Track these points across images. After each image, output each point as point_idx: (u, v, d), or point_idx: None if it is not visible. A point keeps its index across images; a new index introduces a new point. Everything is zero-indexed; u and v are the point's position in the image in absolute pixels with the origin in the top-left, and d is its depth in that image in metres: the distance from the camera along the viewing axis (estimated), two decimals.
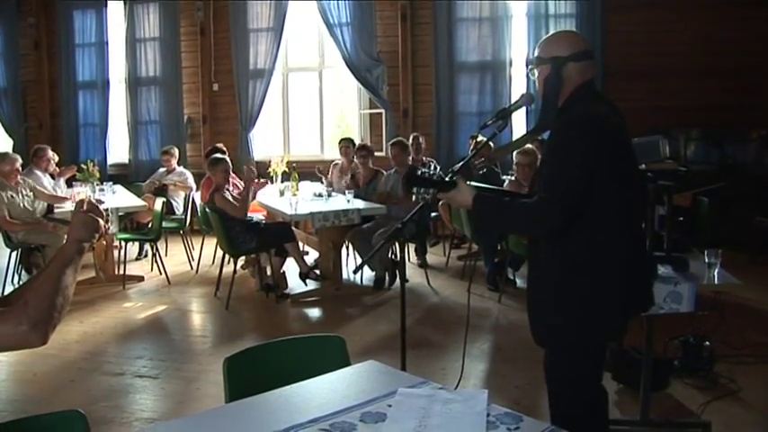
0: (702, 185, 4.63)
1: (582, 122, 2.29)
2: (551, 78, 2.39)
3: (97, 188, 7.41)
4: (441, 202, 7.55)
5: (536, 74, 2.48)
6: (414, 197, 2.43)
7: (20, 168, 6.77)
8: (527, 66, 8.71)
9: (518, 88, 9.14)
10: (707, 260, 3.29)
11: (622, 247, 2.36)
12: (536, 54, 2.48)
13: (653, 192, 3.27)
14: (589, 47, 2.44)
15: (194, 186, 8.13)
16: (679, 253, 3.41)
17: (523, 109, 2.80)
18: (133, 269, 7.42)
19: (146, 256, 7.99)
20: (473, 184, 2.47)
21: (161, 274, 7.15)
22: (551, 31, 9.99)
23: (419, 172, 2.41)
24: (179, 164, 8.57)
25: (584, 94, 2.39)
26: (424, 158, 8.34)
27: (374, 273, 6.68)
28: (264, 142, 10.07)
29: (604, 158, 2.26)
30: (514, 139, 8.19)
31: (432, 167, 2.44)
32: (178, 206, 8.13)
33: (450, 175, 2.44)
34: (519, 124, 9.06)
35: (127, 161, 10.20)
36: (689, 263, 3.32)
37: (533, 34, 9.00)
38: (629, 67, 8.33)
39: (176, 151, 8.48)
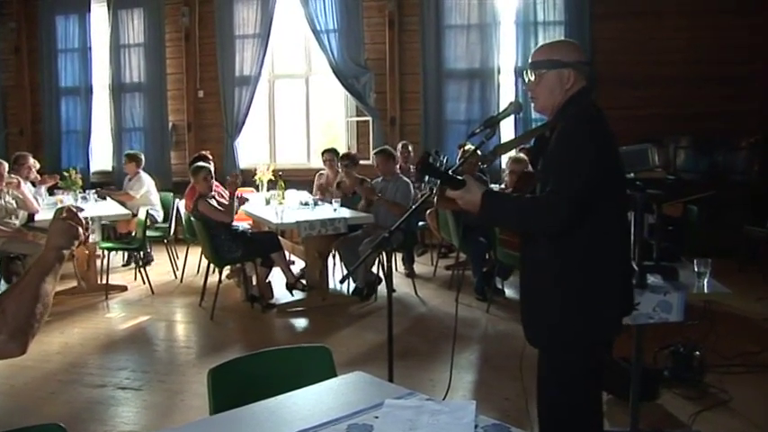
0: (692, 194, 4.65)
1: (592, 118, 2.37)
2: (564, 81, 2.44)
3: (80, 196, 7.36)
4: (428, 211, 7.62)
5: (533, 78, 2.49)
6: (422, 185, 2.48)
7: (4, 174, 6.68)
8: (521, 73, 8.74)
9: (506, 96, 9.17)
10: (696, 269, 3.31)
11: (621, 246, 2.46)
12: (538, 58, 2.49)
13: (642, 201, 3.29)
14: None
15: (138, 195, 7.99)
16: (668, 262, 3.43)
17: (512, 117, 2.82)
18: (116, 279, 7.37)
19: (137, 263, 7.79)
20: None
21: (144, 283, 7.11)
22: (540, 39, 9.95)
23: (431, 159, 2.43)
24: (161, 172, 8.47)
25: (584, 99, 2.46)
26: (411, 167, 8.34)
27: (356, 283, 6.68)
28: (250, 150, 10.05)
29: (610, 163, 2.36)
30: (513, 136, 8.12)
31: (442, 157, 2.47)
32: (158, 215, 8.07)
33: (443, 159, 2.46)
34: (507, 133, 9.09)
35: (110, 168, 10.14)
36: (678, 272, 3.34)
37: (522, 41, 9.05)
38: (618, 75, 8.37)
39: (137, 156, 8.28)
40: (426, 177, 2.44)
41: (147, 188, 8.12)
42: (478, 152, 2.62)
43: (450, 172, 2.43)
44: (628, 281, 2.55)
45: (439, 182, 2.43)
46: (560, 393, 2.50)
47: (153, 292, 6.94)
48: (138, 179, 8.16)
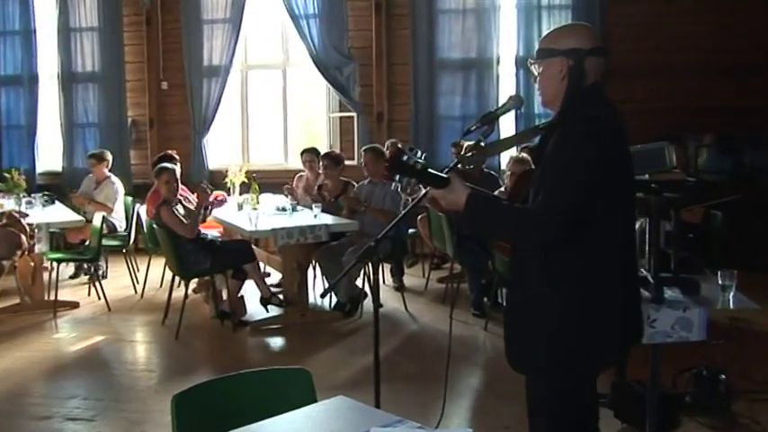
0: (715, 198, 4.68)
1: (591, 125, 2.33)
2: (574, 71, 2.40)
3: (24, 200, 7.29)
4: (419, 217, 7.63)
5: (539, 69, 2.48)
6: (394, 185, 2.45)
7: None
8: (523, 64, 8.78)
9: (506, 89, 9.20)
10: (721, 282, 3.32)
11: (624, 264, 2.41)
12: (544, 46, 2.48)
13: (658, 205, 3.30)
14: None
15: (115, 206, 7.94)
16: (688, 274, 3.44)
17: (512, 113, 2.81)
18: (66, 294, 7.31)
19: (90, 276, 7.69)
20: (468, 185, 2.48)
21: (100, 299, 7.05)
22: (544, 25, 10.00)
23: (405, 157, 2.40)
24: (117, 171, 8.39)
25: (595, 93, 2.43)
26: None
27: (337, 297, 6.67)
28: (220, 149, 10.03)
29: (612, 166, 2.32)
30: (511, 134, 8.12)
31: (419, 154, 2.42)
32: (120, 223, 8.02)
33: (419, 157, 2.42)
34: (507, 130, 9.10)
35: (60, 169, 10.06)
36: (700, 285, 3.35)
37: (524, 28, 9.10)
38: (632, 65, 8.37)
39: (108, 156, 8.22)
40: (397, 177, 2.40)
41: (121, 194, 8.08)
42: (481, 144, 2.61)
43: (434, 171, 2.42)
44: (631, 305, 2.49)
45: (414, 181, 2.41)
46: (549, 426, 2.50)
47: (109, 309, 6.88)
48: (109, 184, 8.06)
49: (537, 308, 2.44)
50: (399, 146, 2.41)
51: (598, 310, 2.37)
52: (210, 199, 6.29)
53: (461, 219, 2.41)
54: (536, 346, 2.45)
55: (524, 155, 6.46)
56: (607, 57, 2.45)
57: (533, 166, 2.77)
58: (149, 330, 6.40)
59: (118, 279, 7.96)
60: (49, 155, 10.19)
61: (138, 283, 7.62)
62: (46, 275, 7.09)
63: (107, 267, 8.13)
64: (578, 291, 2.36)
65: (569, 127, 2.35)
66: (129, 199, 8.16)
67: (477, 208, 2.41)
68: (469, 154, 2.69)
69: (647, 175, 3.28)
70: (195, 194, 6.52)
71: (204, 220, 6.52)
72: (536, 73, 2.51)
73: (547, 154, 2.39)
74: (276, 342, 6.20)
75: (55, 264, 7.11)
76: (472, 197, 2.40)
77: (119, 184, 8.14)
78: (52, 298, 6.83)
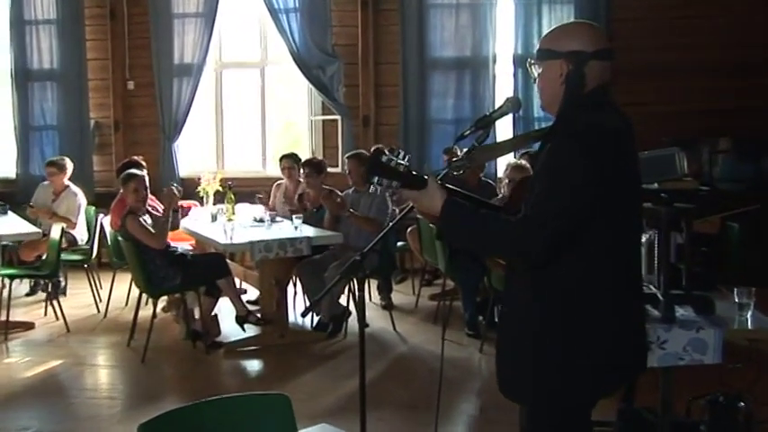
0: (732, 208, 4.69)
1: (586, 134, 2.30)
2: (573, 77, 2.39)
3: None
4: (409, 229, 7.63)
5: (538, 70, 2.48)
6: (372, 188, 2.41)
7: None
8: (521, 63, 8.82)
9: (503, 90, 9.25)
10: (737, 300, 3.33)
11: (617, 280, 2.38)
12: (544, 46, 2.47)
13: (668, 217, 3.31)
14: (610, 44, 2.46)
15: (78, 219, 7.89)
16: (702, 291, 3.44)
17: (510, 116, 2.82)
18: (19, 314, 7.23)
19: (48, 294, 7.61)
20: (450, 187, 2.46)
21: (58, 319, 7.00)
22: (544, 20, 10.03)
23: (384, 158, 2.39)
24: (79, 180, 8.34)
25: (596, 99, 2.41)
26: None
27: (319, 316, 6.66)
28: (193, 155, 10.03)
29: (610, 178, 2.29)
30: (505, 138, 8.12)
31: (401, 155, 2.41)
32: (81, 236, 7.96)
33: (401, 159, 2.40)
34: (505, 135, 9.13)
35: (14, 176, 9.99)
36: (714, 303, 3.36)
37: (523, 24, 9.15)
38: (639, 63, 8.40)
39: (68, 164, 8.15)
40: (375, 179, 2.39)
41: (84, 206, 8.01)
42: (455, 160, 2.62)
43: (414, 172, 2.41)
44: (629, 329, 2.44)
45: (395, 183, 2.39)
46: None
47: (68, 330, 6.83)
48: (70, 195, 7.98)
49: (522, 330, 2.43)
50: (380, 146, 2.40)
51: (587, 334, 2.34)
52: (174, 211, 6.25)
53: (439, 226, 2.40)
54: (521, 373, 2.44)
55: (523, 161, 6.48)
56: (612, 60, 2.43)
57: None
58: (113, 353, 6.36)
59: (78, 297, 7.90)
60: (1, 161, 10.12)
61: (100, 301, 7.57)
62: None
63: (66, 284, 8.06)
64: (565, 313, 2.34)
65: (563, 137, 2.34)
66: (92, 209, 8.13)
67: (454, 215, 2.38)
68: (456, 160, 2.68)
69: (656, 184, 3.29)
70: (164, 203, 6.48)
71: (177, 227, 6.47)
72: (535, 74, 2.51)
73: (539, 163, 2.39)
74: (253, 365, 6.17)
75: (7, 280, 7.05)
76: (449, 203, 2.37)
77: (81, 195, 8.06)
78: (3, 318, 6.76)
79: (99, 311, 7.46)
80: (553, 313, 2.35)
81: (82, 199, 8.06)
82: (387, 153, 2.40)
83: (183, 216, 6.77)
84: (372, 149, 2.43)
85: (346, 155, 7.50)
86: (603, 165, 2.28)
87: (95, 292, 7.67)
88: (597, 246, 2.32)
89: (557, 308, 2.35)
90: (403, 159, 2.40)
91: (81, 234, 7.93)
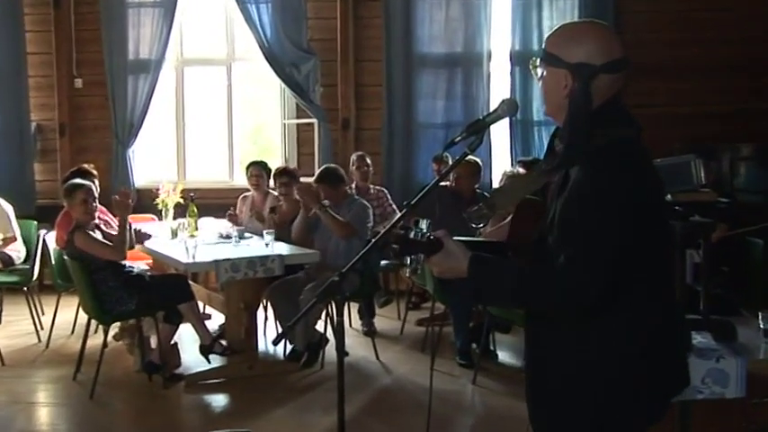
0: (755, 223, 4.71)
1: (619, 158, 2.31)
2: (578, 95, 2.37)
3: None
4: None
5: (541, 73, 2.48)
6: (408, 272, 2.48)
7: None
8: (522, 59, 8.85)
9: (498, 91, 9.30)
10: (762, 326, 3.34)
11: (652, 310, 2.39)
12: (550, 50, 2.45)
13: (683, 233, 3.32)
14: (625, 51, 2.43)
15: (18, 237, 7.83)
16: (722, 316, 3.45)
17: (506, 120, 2.81)
18: None
19: None
20: (458, 239, 2.47)
21: None
22: (545, 13, 10.03)
23: (412, 234, 2.42)
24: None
25: (608, 115, 2.39)
26: (371, 187, 8.34)
27: (292, 344, 6.65)
28: (150, 162, 10.03)
29: (649, 204, 2.31)
30: (515, 183, 8.14)
31: (424, 225, 2.44)
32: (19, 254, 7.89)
33: (425, 229, 2.42)
34: (500, 140, 9.18)
35: None
36: (736, 330, 3.37)
37: (520, 18, 9.20)
38: (651, 62, 8.47)
39: None
40: (408, 259, 2.44)
41: (14, 218, 7.93)
42: (478, 160, 2.61)
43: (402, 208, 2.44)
44: (669, 350, 2.48)
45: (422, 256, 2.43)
46: None
47: (3, 364, 6.78)
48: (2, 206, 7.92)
49: (554, 368, 2.46)
50: (400, 229, 2.40)
51: (623, 370, 2.37)
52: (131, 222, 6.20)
53: (471, 290, 2.41)
54: (556, 410, 2.47)
55: (519, 169, 6.49)
56: (626, 70, 2.40)
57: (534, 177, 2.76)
58: (57, 389, 6.31)
59: (16, 324, 7.87)
60: None
61: (42, 329, 7.54)
62: None
63: (1, 310, 7.97)
64: (621, 350, 2.38)
65: (590, 166, 2.32)
66: (33, 224, 8.06)
67: (485, 274, 2.41)
68: (475, 209, 2.68)
69: (669, 196, 3.30)
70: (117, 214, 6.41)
71: (132, 247, 6.42)
72: (538, 76, 2.50)
73: (568, 194, 2.36)
74: (217, 400, 6.13)
75: None
76: (475, 261, 2.39)
77: (5, 205, 7.91)
78: None
79: (40, 341, 7.41)
80: (607, 353, 2.37)
81: (9, 210, 7.89)
82: (412, 226, 2.43)
83: (139, 242, 6.70)
84: (399, 227, 2.45)
85: (313, 179, 7.22)
86: (641, 187, 2.29)
87: (36, 318, 7.62)
88: (638, 273, 2.32)
89: (611, 346, 2.37)
90: (427, 229, 2.43)
91: (18, 253, 7.84)
